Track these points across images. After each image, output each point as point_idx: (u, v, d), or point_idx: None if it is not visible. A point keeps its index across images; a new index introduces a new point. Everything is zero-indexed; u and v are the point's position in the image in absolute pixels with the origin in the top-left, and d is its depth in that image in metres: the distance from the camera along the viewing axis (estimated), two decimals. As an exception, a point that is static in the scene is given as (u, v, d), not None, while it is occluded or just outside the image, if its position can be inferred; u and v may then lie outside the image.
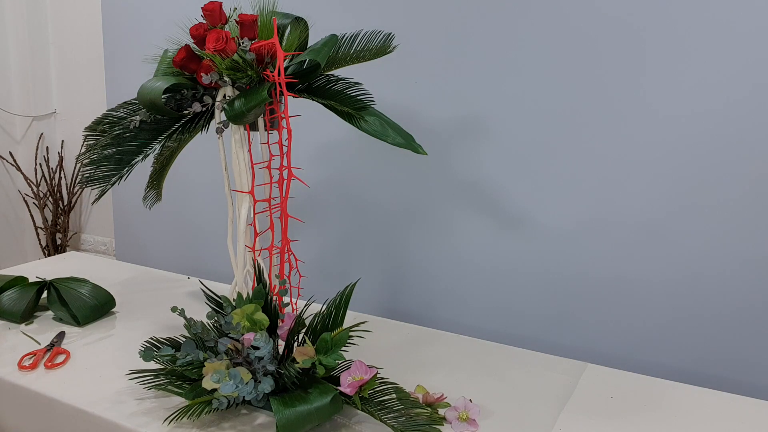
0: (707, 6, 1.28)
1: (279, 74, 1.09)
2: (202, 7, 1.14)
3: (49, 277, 1.48)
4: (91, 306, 1.41)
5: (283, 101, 1.16)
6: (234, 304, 1.12)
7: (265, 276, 1.17)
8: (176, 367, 1.04)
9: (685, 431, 1.03)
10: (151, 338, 1.12)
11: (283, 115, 1.09)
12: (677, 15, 1.31)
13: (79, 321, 1.37)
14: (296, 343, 1.06)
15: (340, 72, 1.21)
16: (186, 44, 1.16)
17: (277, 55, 1.11)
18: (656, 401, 1.12)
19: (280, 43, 1.11)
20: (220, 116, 1.16)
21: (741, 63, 1.26)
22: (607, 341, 1.47)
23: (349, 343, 1.01)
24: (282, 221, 1.21)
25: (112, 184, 1.20)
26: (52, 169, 2.97)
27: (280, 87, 1.10)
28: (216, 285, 1.61)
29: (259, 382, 1.00)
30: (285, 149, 1.18)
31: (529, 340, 1.52)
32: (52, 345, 1.26)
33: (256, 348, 1.02)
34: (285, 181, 1.14)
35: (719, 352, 1.37)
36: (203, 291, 1.15)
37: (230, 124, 1.15)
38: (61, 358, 1.22)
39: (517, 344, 1.35)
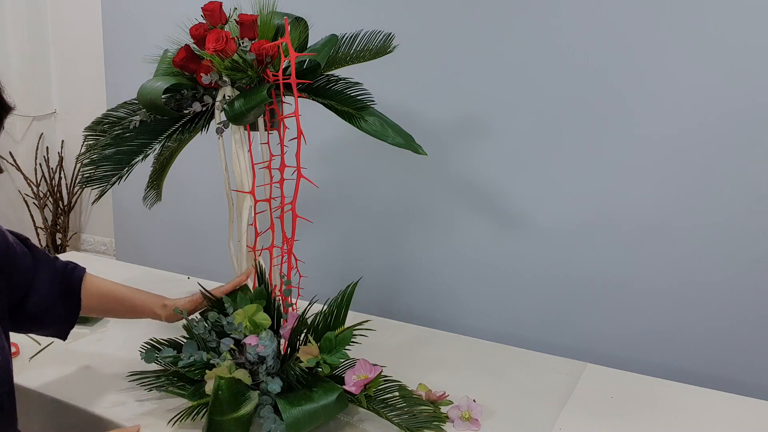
0: (711, 5, 1.28)
1: (282, 75, 1.09)
2: (202, 7, 1.14)
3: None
4: None
5: (285, 101, 1.16)
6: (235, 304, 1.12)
7: (267, 276, 1.16)
8: (178, 369, 1.04)
9: (684, 431, 1.03)
10: (152, 339, 1.12)
11: (292, 116, 1.10)
12: (679, 16, 1.31)
13: (88, 318, 1.38)
14: (299, 342, 1.06)
15: (340, 72, 1.21)
16: (186, 44, 1.16)
17: (281, 55, 1.11)
18: (656, 401, 1.12)
19: (280, 43, 1.11)
20: (220, 116, 1.16)
21: (744, 65, 1.26)
22: (607, 341, 1.47)
23: (352, 342, 1.01)
24: (285, 220, 1.21)
25: (112, 184, 1.20)
26: (52, 169, 2.97)
27: (284, 88, 1.10)
28: (216, 285, 1.60)
29: (264, 382, 1.00)
30: (287, 149, 1.18)
31: (529, 340, 1.52)
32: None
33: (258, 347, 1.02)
34: (294, 182, 1.14)
35: (719, 353, 1.37)
36: (203, 293, 1.15)
37: (230, 124, 1.15)
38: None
39: (517, 344, 1.35)
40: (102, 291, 1.09)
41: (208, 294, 1.15)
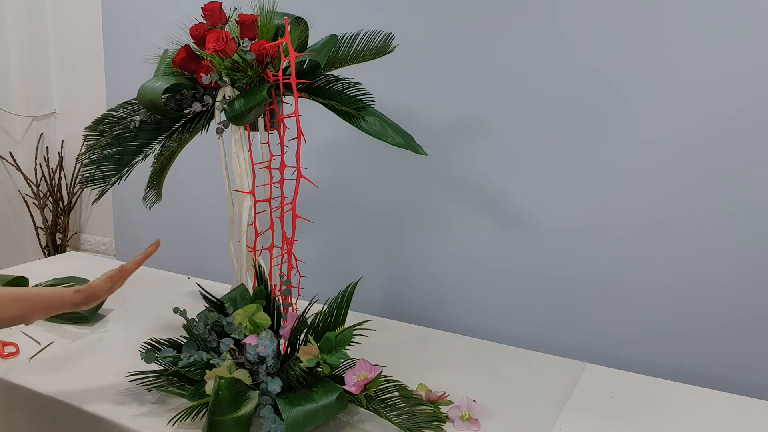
0: (711, 6, 1.28)
1: (282, 75, 1.09)
2: (202, 7, 1.14)
3: (48, 278, 1.48)
4: None
5: (285, 101, 1.16)
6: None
7: (266, 276, 1.17)
8: (178, 369, 1.04)
9: (684, 431, 1.03)
10: (152, 339, 1.12)
11: (292, 116, 1.10)
12: (678, 16, 1.31)
13: (87, 318, 1.38)
14: (299, 342, 1.06)
15: (340, 72, 1.21)
16: (186, 44, 1.16)
17: (281, 55, 1.11)
18: (656, 401, 1.12)
19: (280, 43, 1.11)
20: (220, 116, 1.16)
21: (744, 66, 1.26)
22: (607, 341, 1.47)
23: (352, 342, 1.01)
24: (285, 220, 1.21)
25: (112, 184, 1.20)
26: (52, 169, 2.97)
27: (285, 87, 1.10)
28: (216, 285, 1.61)
29: (264, 382, 1.00)
30: (287, 149, 1.18)
31: (529, 340, 1.52)
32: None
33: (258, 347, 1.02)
34: (294, 182, 1.14)
35: (719, 353, 1.37)
36: (202, 295, 1.15)
37: (230, 124, 1.15)
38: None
39: (517, 344, 1.35)
40: (14, 296, 1.00)
41: (208, 295, 1.15)
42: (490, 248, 1.59)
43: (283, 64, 1.10)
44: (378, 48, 1.24)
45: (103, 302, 1.45)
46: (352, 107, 1.15)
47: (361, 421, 1.02)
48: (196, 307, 1.15)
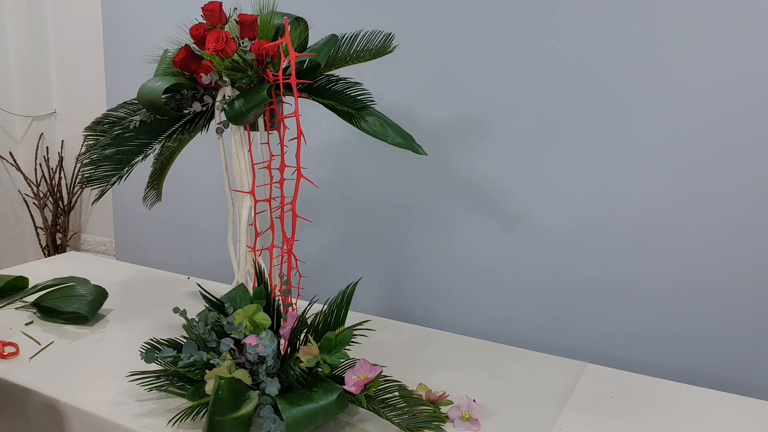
0: (710, 6, 1.28)
1: (282, 75, 1.09)
2: (202, 7, 1.14)
3: (48, 278, 1.48)
4: (91, 300, 1.42)
5: (285, 101, 1.16)
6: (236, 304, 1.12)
7: (266, 276, 1.16)
8: (178, 369, 1.04)
9: (684, 431, 1.03)
10: (152, 339, 1.12)
11: (292, 116, 1.10)
12: (678, 17, 1.31)
13: (87, 317, 1.38)
14: (299, 342, 1.06)
15: (340, 72, 1.21)
16: (186, 44, 1.16)
17: (281, 55, 1.11)
18: (656, 401, 1.12)
19: (280, 43, 1.11)
20: (220, 116, 1.16)
21: (743, 66, 1.26)
22: (607, 341, 1.47)
23: (352, 342, 1.01)
24: (285, 220, 1.21)
25: (112, 184, 1.20)
26: (52, 169, 2.97)
27: (284, 87, 1.10)
28: (216, 285, 1.61)
29: (264, 383, 1.00)
30: (287, 149, 1.18)
31: (529, 340, 1.52)
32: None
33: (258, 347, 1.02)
34: (294, 182, 1.14)
35: (719, 353, 1.37)
36: (202, 295, 1.15)
37: (230, 124, 1.15)
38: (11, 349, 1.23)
39: (517, 344, 1.35)
40: None
41: (208, 295, 1.15)
42: (489, 248, 1.59)
43: (283, 64, 1.10)
44: (378, 48, 1.24)
45: (103, 302, 1.45)
46: (352, 107, 1.15)
47: (361, 421, 1.02)
48: (196, 307, 1.16)
